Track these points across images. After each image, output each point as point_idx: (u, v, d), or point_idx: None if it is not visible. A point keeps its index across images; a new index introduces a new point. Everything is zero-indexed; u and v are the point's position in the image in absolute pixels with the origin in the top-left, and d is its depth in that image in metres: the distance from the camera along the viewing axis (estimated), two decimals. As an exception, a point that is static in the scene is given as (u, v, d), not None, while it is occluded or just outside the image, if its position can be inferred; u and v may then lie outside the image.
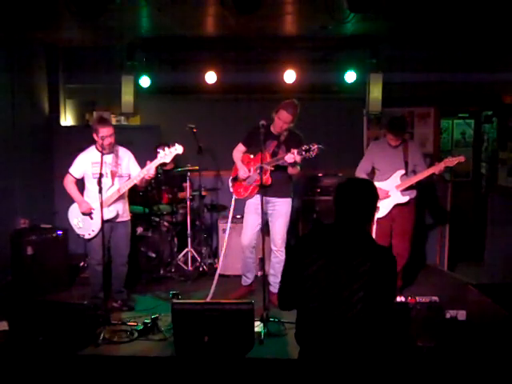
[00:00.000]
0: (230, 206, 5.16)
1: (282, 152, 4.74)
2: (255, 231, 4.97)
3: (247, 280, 5.18)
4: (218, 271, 5.12)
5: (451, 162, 4.76)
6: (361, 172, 5.18)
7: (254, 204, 4.91)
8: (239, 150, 5.05)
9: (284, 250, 4.97)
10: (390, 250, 2.44)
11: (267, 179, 4.73)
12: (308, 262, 2.38)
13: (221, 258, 5.27)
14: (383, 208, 5.03)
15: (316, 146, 4.40)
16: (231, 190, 5.10)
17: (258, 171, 4.68)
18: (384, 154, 5.07)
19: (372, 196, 2.45)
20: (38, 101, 6.67)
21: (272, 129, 4.84)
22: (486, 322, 3.96)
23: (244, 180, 4.94)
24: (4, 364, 3.78)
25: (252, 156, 4.98)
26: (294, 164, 4.59)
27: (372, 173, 5.24)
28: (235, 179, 5.06)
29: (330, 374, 2.37)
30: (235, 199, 5.11)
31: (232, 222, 5.83)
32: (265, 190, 4.73)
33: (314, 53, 6.58)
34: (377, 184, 5.04)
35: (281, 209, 4.88)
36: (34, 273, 5.28)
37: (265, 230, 4.92)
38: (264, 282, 4.53)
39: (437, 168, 4.79)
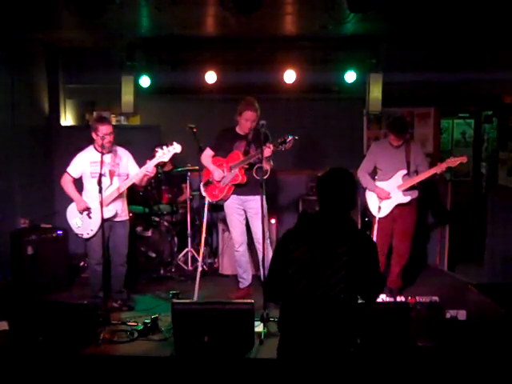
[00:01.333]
0: (204, 210, 5.14)
1: (253, 150, 4.79)
2: (242, 228, 5.04)
3: (244, 282, 5.16)
4: (199, 274, 5.04)
5: (453, 162, 4.77)
6: (363, 172, 5.18)
7: (232, 204, 4.99)
8: (207, 155, 5.08)
9: (269, 245, 4.99)
10: (369, 235, 2.62)
11: (243, 178, 4.81)
12: (293, 248, 2.50)
13: (200, 260, 5.19)
14: (385, 208, 5.03)
15: (291, 138, 4.46)
16: (204, 194, 5.11)
17: (233, 171, 4.84)
18: (386, 154, 5.07)
19: (350, 184, 2.59)
20: (38, 101, 6.67)
21: (238, 130, 4.93)
22: (485, 322, 3.96)
23: (218, 182, 4.96)
24: (4, 364, 3.78)
25: (223, 158, 4.99)
26: (269, 158, 4.64)
27: (374, 173, 5.24)
28: (207, 183, 5.07)
29: (312, 355, 2.44)
30: (210, 203, 5.11)
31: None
32: (239, 190, 4.85)
33: (314, 53, 6.57)
34: (379, 184, 5.05)
35: (257, 206, 4.82)
36: (34, 273, 5.27)
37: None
38: (263, 282, 4.52)
39: (439, 168, 4.80)
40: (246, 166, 4.80)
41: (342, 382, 2.46)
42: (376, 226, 5.04)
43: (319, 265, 2.43)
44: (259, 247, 4.93)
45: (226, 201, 5.02)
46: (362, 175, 5.18)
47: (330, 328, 2.43)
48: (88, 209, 4.67)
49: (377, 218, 5.05)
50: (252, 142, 4.85)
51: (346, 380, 2.47)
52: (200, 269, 5.10)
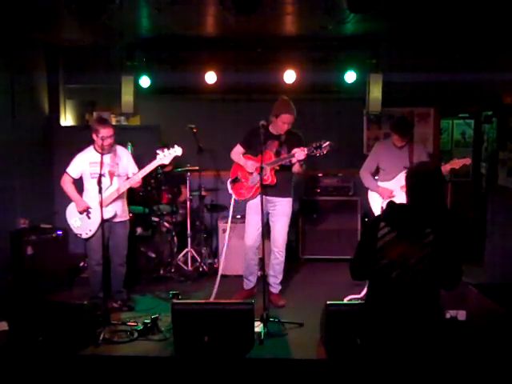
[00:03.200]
0: (229, 207, 5.11)
1: (285, 152, 4.74)
2: (259, 232, 4.92)
3: (249, 283, 5.13)
4: (220, 272, 5.07)
5: (457, 164, 4.76)
6: (366, 171, 5.18)
7: (256, 205, 4.86)
8: (238, 152, 5.01)
9: (284, 251, 4.95)
10: (454, 216, 2.84)
11: (272, 179, 4.73)
12: (381, 235, 2.70)
13: (222, 259, 5.21)
14: None
15: (328, 143, 4.38)
16: (231, 191, 5.04)
17: (264, 171, 4.70)
18: (389, 153, 5.07)
19: (440, 179, 2.81)
20: (38, 101, 6.67)
21: (271, 129, 4.83)
22: (485, 322, 3.96)
23: (249, 177, 4.89)
24: (4, 364, 3.78)
25: (254, 156, 4.90)
26: (303, 161, 4.59)
27: (376, 172, 5.24)
28: (235, 180, 5.01)
29: (398, 331, 2.68)
30: (236, 200, 5.06)
31: (232, 222, 5.82)
32: (267, 190, 4.73)
33: (313, 53, 6.58)
34: (382, 184, 5.05)
35: (283, 208, 4.87)
36: (34, 273, 5.27)
37: (264, 230, 4.89)
38: (264, 282, 4.52)
39: (442, 170, 4.79)
40: (277, 168, 4.72)
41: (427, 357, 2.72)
42: None
43: (405, 254, 2.65)
44: (275, 250, 4.91)
45: (251, 200, 4.93)
46: (365, 175, 5.17)
47: (414, 309, 2.68)
48: (88, 209, 4.67)
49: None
50: (284, 143, 4.78)
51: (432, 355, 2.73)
52: (221, 264, 5.10)
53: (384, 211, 2.83)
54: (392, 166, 5.04)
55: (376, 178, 5.20)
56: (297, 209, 6.67)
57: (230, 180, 5.07)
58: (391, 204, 2.83)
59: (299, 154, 4.48)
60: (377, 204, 5.09)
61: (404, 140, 4.98)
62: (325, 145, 4.39)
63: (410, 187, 2.79)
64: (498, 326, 3.73)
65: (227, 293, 5.20)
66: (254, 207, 4.91)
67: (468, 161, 4.78)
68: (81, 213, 4.70)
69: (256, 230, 4.93)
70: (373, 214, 5.23)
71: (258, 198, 4.81)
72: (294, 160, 4.58)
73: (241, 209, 5.43)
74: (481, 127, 8.06)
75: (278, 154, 4.77)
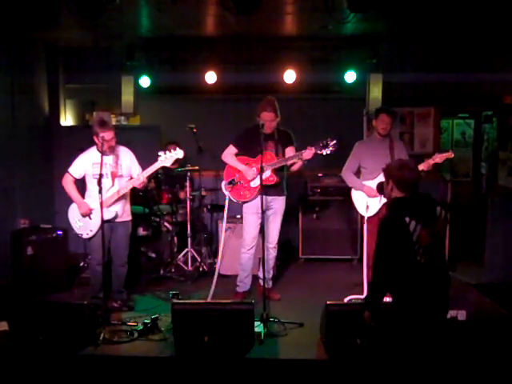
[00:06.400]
0: (224, 210, 5.04)
1: (280, 151, 4.79)
2: (257, 231, 4.96)
3: (245, 286, 5.09)
4: (217, 273, 5.05)
5: (440, 158, 4.74)
6: (348, 171, 5.16)
7: (256, 205, 4.87)
8: (231, 153, 4.99)
9: (276, 247, 5.04)
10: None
11: (276, 178, 4.80)
12: (413, 229, 2.90)
13: (218, 260, 5.17)
14: (373, 207, 4.99)
15: (334, 141, 4.46)
16: (227, 193, 4.97)
17: (266, 172, 4.72)
18: (370, 152, 5.07)
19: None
20: (38, 101, 6.67)
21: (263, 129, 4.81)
22: (485, 322, 3.96)
23: (246, 182, 4.88)
24: (4, 364, 3.79)
25: (251, 158, 4.90)
26: (306, 161, 4.66)
27: (358, 172, 5.23)
28: (232, 183, 4.95)
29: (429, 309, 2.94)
30: (230, 201, 5.00)
31: (231, 222, 5.81)
32: (267, 190, 4.76)
33: (314, 53, 6.57)
34: (365, 183, 5.05)
35: (279, 206, 4.95)
36: (34, 273, 5.27)
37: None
38: (264, 282, 4.52)
39: (425, 165, 4.76)
40: (278, 166, 4.78)
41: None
42: (366, 226, 4.99)
43: (436, 233, 2.95)
44: (270, 246, 4.95)
45: (250, 201, 4.93)
46: (348, 175, 5.16)
47: (442, 285, 2.98)
48: (91, 211, 4.68)
49: (365, 218, 5.01)
50: (278, 142, 4.84)
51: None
52: (218, 264, 5.09)
53: (403, 207, 3.00)
54: (374, 164, 5.01)
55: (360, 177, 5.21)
56: (297, 209, 6.68)
57: (224, 182, 5.02)
58: (405, 199, 3.01)
59: (307, 153, 4.56)
60: (362, 203, 5.06)
61: (389, 124, 4.97)
62: (332, 143, 4.46)
63: (413, 180, 3.00)
64: (498, 326, 3.74)
65: (226, 292, 5.21)
66: (254, 207, 4.91)
67: (451, 154, 4.76)
68: (83, 215, 4.70)
69: (255, 229, 4.96)
70: (358, 213, 5.26)
71: (258, 197, 4.85)
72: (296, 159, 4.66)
73: (233, 209, 5.37)
74: (481, 127, 8.06)
75: (277, 153, 4.83)
